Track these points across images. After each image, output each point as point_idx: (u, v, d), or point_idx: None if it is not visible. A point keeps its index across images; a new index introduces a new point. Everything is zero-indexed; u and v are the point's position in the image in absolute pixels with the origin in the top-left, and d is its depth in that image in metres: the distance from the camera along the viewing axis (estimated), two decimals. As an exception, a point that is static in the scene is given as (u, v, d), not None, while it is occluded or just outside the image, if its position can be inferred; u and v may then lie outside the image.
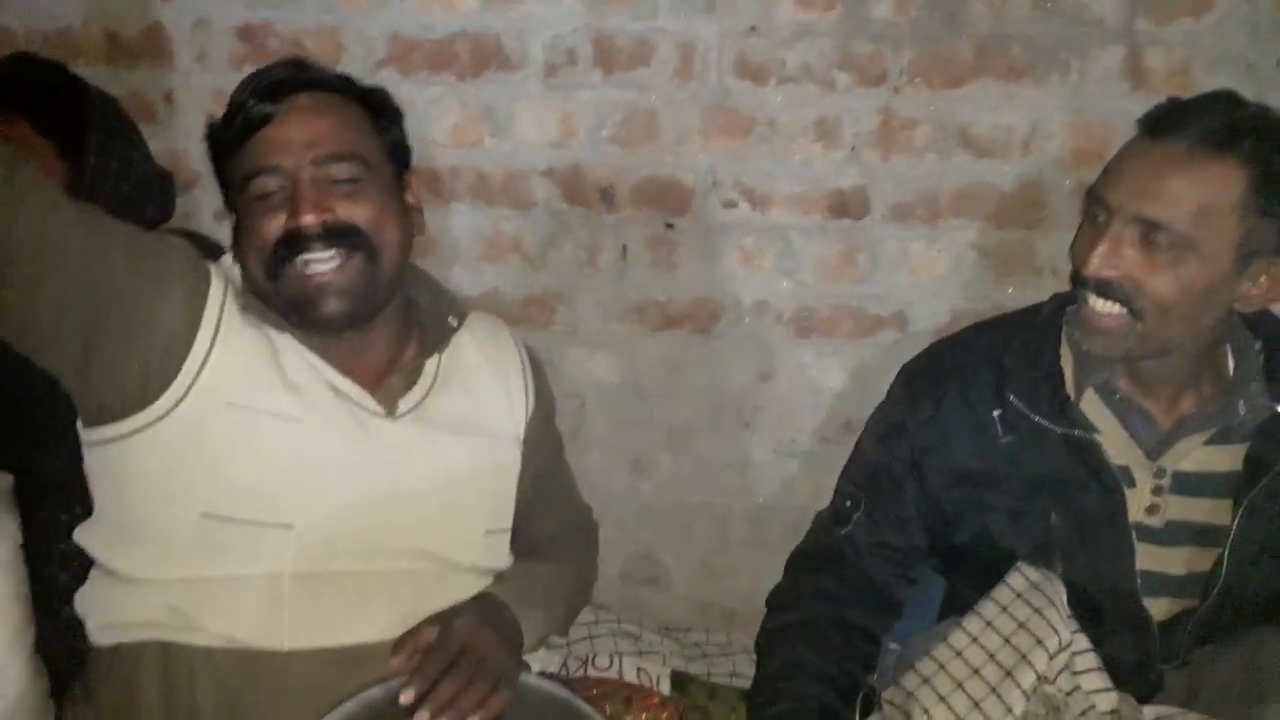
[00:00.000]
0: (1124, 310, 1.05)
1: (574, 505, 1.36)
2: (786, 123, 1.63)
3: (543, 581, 1.17)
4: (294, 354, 1.05)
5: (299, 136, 1.03)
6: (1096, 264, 1.05)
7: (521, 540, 1.20)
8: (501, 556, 1.17)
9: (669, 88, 1.62)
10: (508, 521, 1.17)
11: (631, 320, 1.72)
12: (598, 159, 1.66)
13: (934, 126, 1.61)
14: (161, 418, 1.00)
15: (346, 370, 1.07)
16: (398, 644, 1.00)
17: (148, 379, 0.99)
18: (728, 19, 1.60)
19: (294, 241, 1.01)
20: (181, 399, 1.00)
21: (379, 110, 1.12)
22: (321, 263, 1.02)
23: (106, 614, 1.03)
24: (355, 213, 1.04)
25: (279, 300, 1.05)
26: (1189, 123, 1.03)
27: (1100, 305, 1.06)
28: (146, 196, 1.37)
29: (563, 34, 1.61)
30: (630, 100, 1.63)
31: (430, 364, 1.13)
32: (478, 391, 1.16)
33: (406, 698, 0.92)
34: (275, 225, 1.02)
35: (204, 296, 1.03)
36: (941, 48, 1.59)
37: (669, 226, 1.68)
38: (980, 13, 1.57)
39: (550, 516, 1.26)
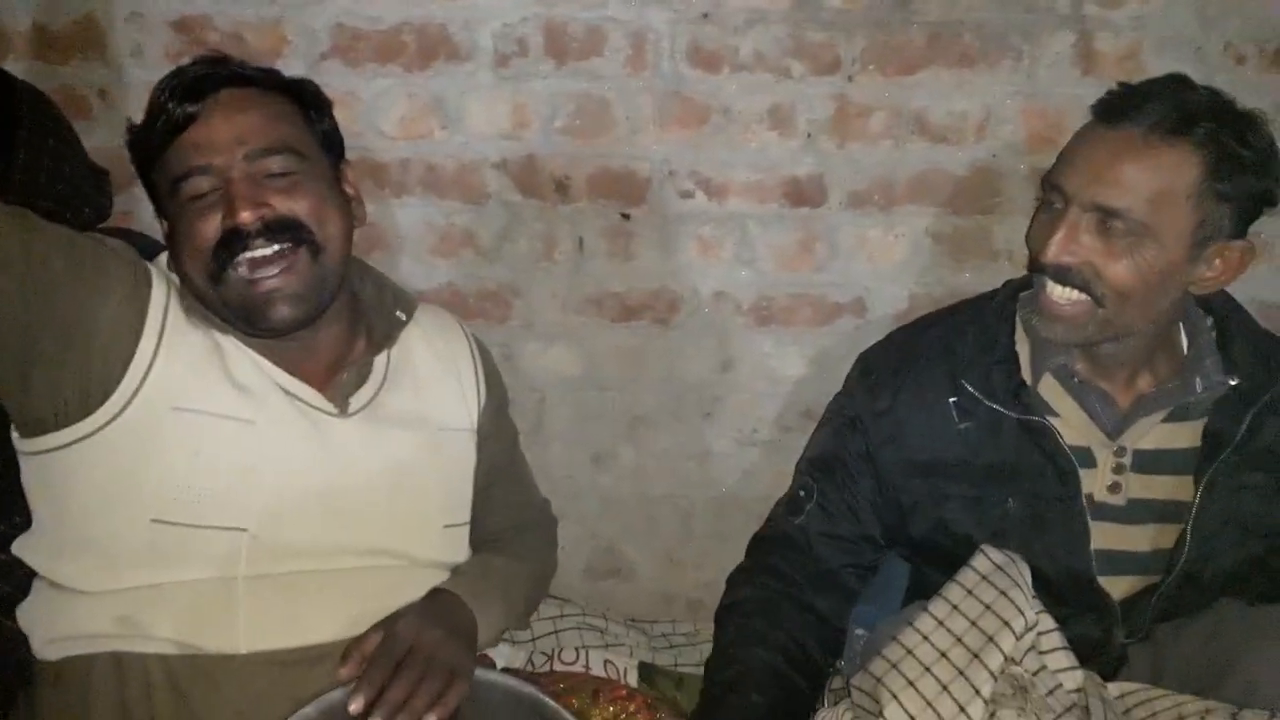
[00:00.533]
0: (1084, 296, 1.06)
1: (530, 497, 1.35)
2: (741, 111, 1.61)
3: (499, 574, 1.16)
4: (240, 355, 1.02)
5: (227, 133, 0.99)
6: (1055, 251, 1.05)
7: (478, 532, 1.19)
8: (460, 551, 1.16)
9: (622, 77, 1.60)
10: (465, 515, 1.16)
11: (589, 312, 1.70)
12: (551, 150, 1.63)
13: (888, 113, 1.61)
14: (105, 426, 0.96)
15: (295, 370, 1.05)
16: (345, 654, 0.98)
17: (88, 387, 0.96)
18: (679, 6, 1.58)
19: (232, 241, 0.98)
20: (126, 406, 0.96)
21: (308, 102, 1.09)
22: (267, 264, 0.99)
23: (53, 628, 1.00)
24: (295, 205, 1.00)
25: (223, 307, 1.01)
26: (1143, 109, 1.03)
27: (1059, 292, 1.07)
28: (82, 196, 1.31)
29: (512, 23, 1.58)
30: (583, 90, 1.61)
31: (380, 360, 1.11)
32: (429, 385, 1.14)
33: (355, 707, 0.91)
34: (211, 227, 0.98)
35: (146, 300, 1.00)
36: (894, 35, 1.58)
37: (625, 217, 1.66)
38: (931, 0, 1.57)
39: (507, 508, 1.25)
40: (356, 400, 1.07)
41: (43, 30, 1.57)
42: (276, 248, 0.99)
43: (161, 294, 1.01)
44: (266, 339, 1.03)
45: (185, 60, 1.08)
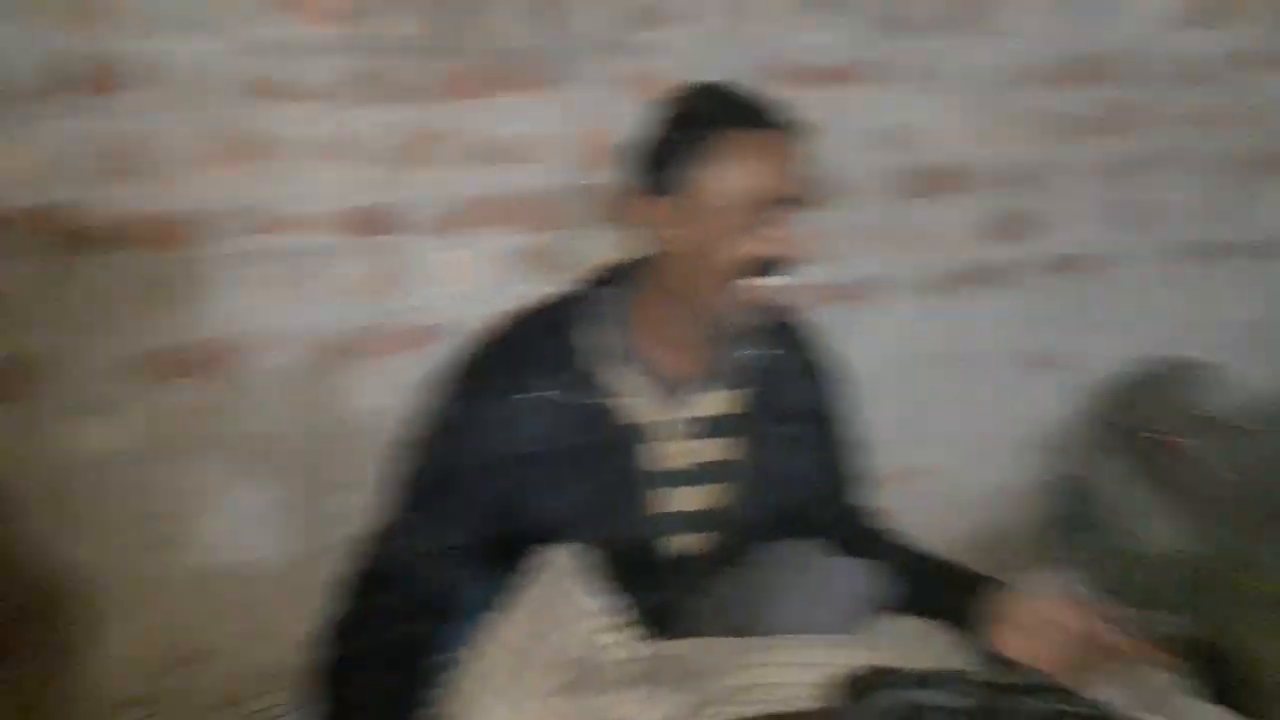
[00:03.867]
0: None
1: None
2: (305, 142, 1.55)
3: None
4: None
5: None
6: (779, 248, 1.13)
7: None
8: None
9: (171, 112, 1.47)
10: None
11: (135, 376, 1.51)
12: (81, 196, 1.45)
13: (458, 138, 1.63)
14: None
15: None
16: None
17: None
18: (232, 36, 1.49)
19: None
20: None
21: None
22: None
23: None
24: None
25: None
26: (766, 111, 1.15)
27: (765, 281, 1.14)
28: None
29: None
30: (123, 130, 1.45)
31: None
32: None
33: None
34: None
35: None
36: (461, 61, 1.61)
37: (172, 264, 1.50)
38: (493, 28, 1.61)
39: None
40: None
41: None
42: None
43: None
44: None
45: None
